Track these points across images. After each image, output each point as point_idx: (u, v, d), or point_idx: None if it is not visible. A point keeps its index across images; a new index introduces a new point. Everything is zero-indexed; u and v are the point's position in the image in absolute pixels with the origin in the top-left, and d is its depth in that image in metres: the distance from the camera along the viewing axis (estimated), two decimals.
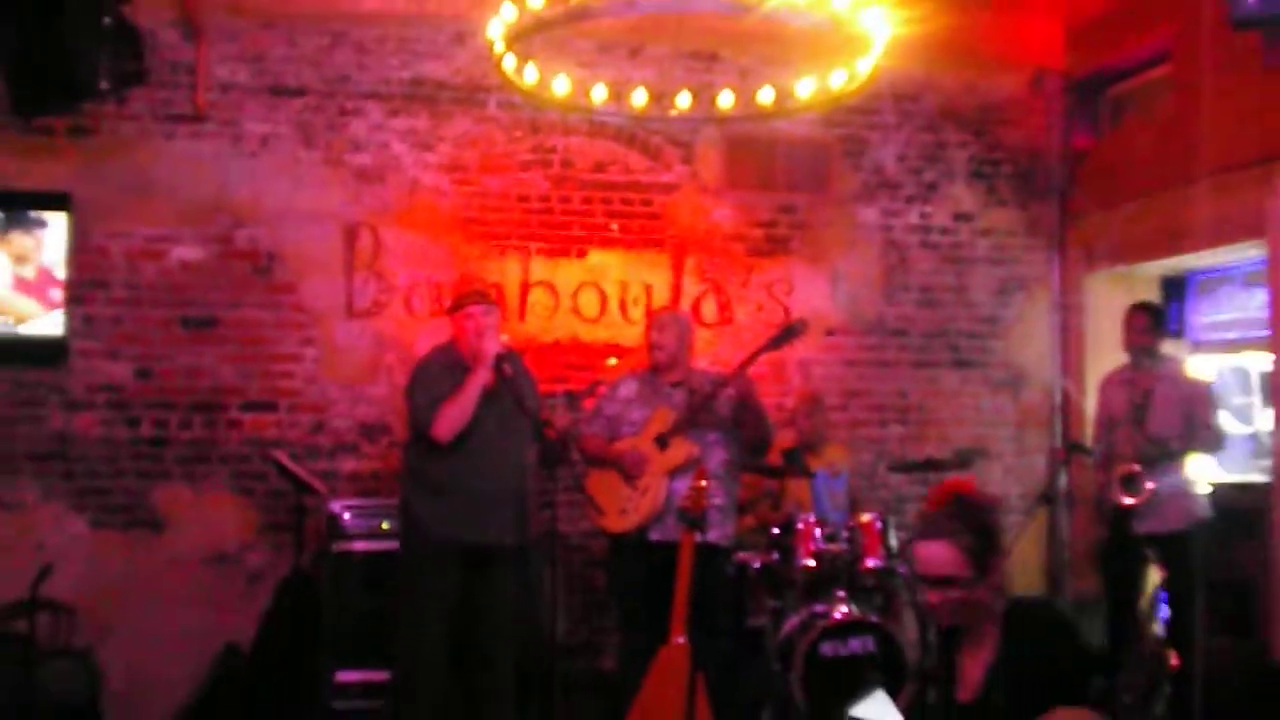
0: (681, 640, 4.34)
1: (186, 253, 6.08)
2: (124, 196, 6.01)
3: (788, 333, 4.89)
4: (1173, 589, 5.29)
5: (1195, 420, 5.41)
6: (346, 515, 5.56)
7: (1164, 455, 5.41)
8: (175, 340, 6.05)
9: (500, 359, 4.58)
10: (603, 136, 6.54)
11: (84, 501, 5.92)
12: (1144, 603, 5.34)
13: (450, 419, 4.52)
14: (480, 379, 4.54)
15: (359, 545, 5.50)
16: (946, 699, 2.83)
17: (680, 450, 4.77)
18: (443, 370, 4.66)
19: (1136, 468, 5.40)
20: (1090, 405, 6.75)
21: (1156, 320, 5.71)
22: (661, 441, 4.78)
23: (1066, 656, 2.70)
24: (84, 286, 5.93)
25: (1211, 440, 5.43)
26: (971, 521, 2.78)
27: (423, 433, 4.59)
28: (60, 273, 5.77)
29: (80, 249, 5.88)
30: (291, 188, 6.21)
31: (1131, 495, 5.43)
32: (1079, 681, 2.68)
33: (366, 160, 6.30)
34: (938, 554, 2.76)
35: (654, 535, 4.74)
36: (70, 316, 5.80)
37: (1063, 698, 2.59)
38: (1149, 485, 5.34)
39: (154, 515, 5.99)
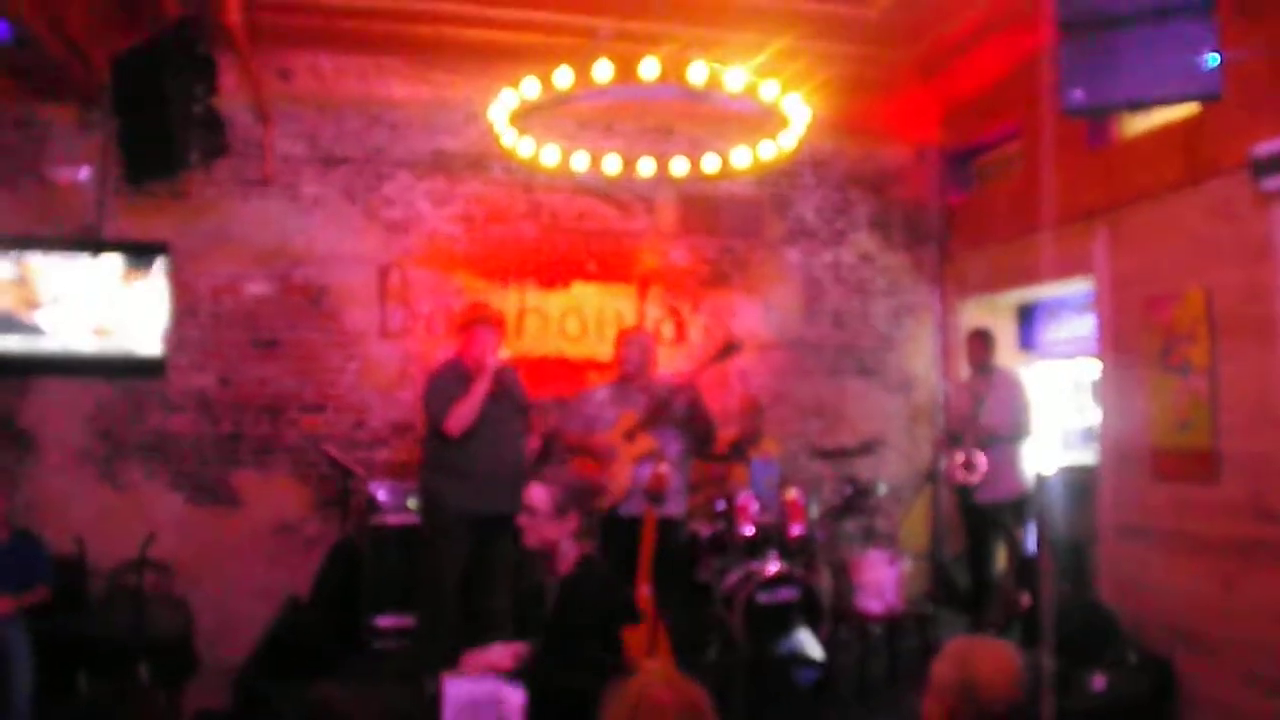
0: (646, 590, 4.24)
1: (256, 288, 6.12)
2: (209, 244, 6.05)
3: (726, 350, 4.87)
4: (1015, 544, 5.50)
5: (1016, 414, 5.60)
6: (381, 494, 5.58)
7: (993, 441, 5.58)
8: (248, 357, 6.07)
9: (499, 371, 4.65)
10: (583, 194, 6.58)
11: (179, 482, 5.94)
12: (1000, 556, 5.57)
13: (460, 417, 4.54)
14: (484, 386, 4.58)
15: (391, 519, 5.51)
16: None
17: (644, 443, 4.78)
18: (452, 379, 4.68)
19: (976, 453, 5.63)
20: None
21: (988, 342, 5.91)
22: (630, 436, 4.79)
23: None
24: (179, 315, 5.94)
25: (1026, 428, 5.63)
26: (571, 487, 3.34)
27: (437, 428, 4.61)
28: (162, 305, 5.75)
29: (176, 285, 5.88)
30: (338, 236, 6.23)
31: (970, 474, 5.67)
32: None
33: (397, 214, 6.33)
34: (536, 492, 3.36)
35: (623, 510, 4.72)
36: (168, 338, 5.80)
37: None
38: (981, 465, 5.55)
39: (232, 494, 6.01)
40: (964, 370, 6.50)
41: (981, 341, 5.89)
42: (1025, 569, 5.35)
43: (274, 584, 5.79)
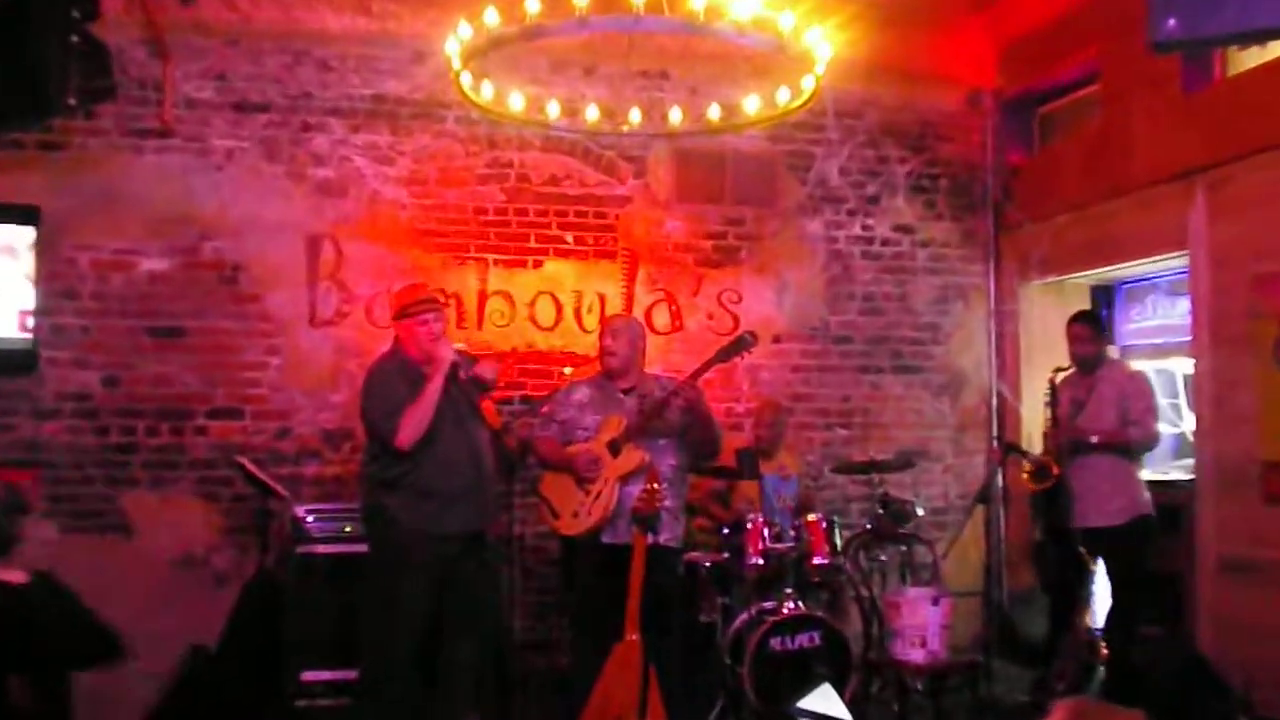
0: (634, 637, 4.31)
1: (153, 264, 6.03)
2: (92, 209, 5.95)
3: (738, 344, 4.80)
4: (1112, 581, 5.39)
5: (1128, 416, 5.41)
6: (310, 519, 5.52)
7: (1080, 448, 5.43)
8: (142, 349, 5.99)
9: (455, 364, 4.56)
10: (557, 151, 6.55)
11: (53, 507, 5.85)
12: (1080, 595, 5.47)
13: (412, 426, 4.46)
14: (438, 384, 4.50)
15: (322, 548, 5.46)
16: None
17: (632, 456, 4.68)
18: (396, 377, 4.60)
19: (1047, 459, 5.49)
20: (1026, 408, 6.81)
21: (1095, 328, 5.70)
22: (614, 447, 4.70)
23: None
24: (53, 297, 5.85)
25: (1143, 435, 5.42)
26: None
27: (386, 441, 4.52)
28: (31, 284, 5.66)
29: (49, 261, 5.79)
30: (256, 201, 6.16)
31: (1038, 484, 5.53)
32: None
33: (328, 174, 6.27)
34: None
35: (606, 538, 4.67)
36: (39, 326, 5.71)
37: None
38: (1056, 473, 5.44)
39: (122, 520, 5.93)
40: (1038, 365, 6.45)
41: (1086, 329, 5.63)
42: (1116, 614, 5.31)
43: (173, 631, 5.55)
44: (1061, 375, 5.63)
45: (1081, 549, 5.37)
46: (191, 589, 5.92)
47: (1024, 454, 5.95)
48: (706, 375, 4.82)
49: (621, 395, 4.86)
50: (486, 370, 4.82)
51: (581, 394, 4.94)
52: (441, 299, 4.84)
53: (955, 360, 7.16)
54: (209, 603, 5.76)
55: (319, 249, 6.24)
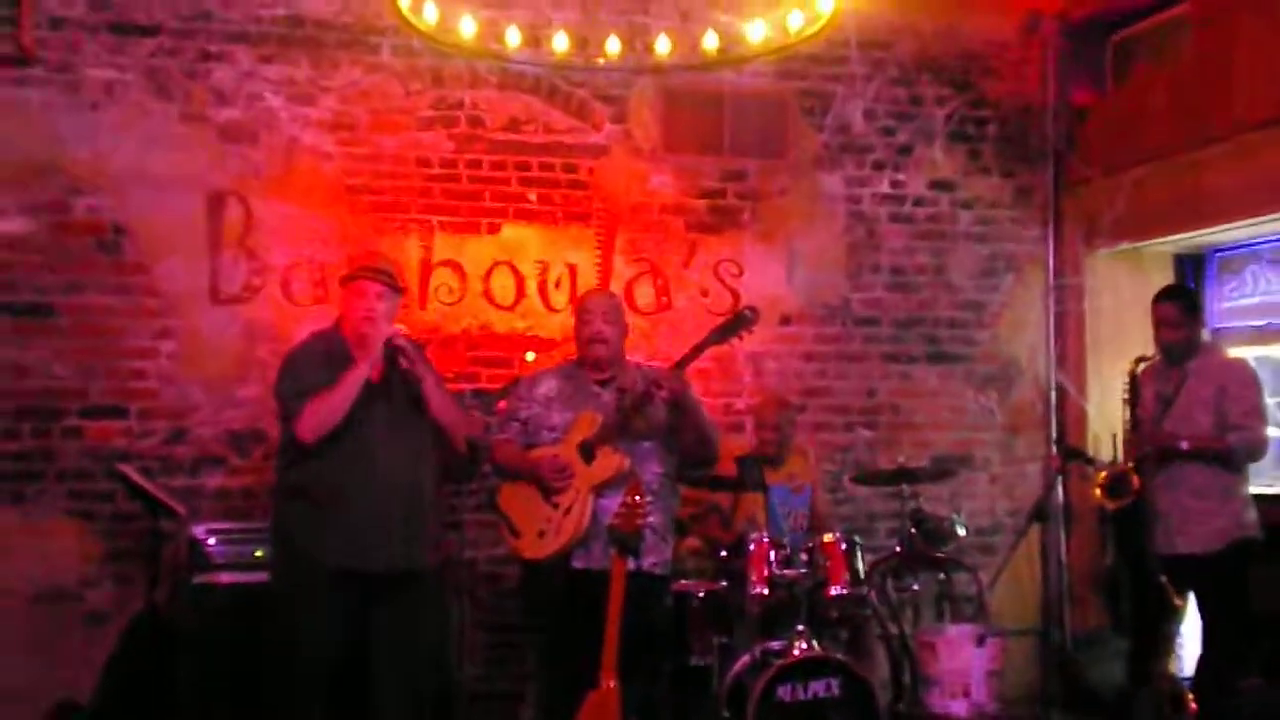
0: (612, 684, 4.31)
1: (11, 225, 5.99)
2: None
3: (735, 323, 4.83)
4: (1205, 620, 5.35)
5: (1226, 417, 5.36)
6: (211, 541, 5.50)
7: (1167, 456, 5.40)
8: None
9: (394, 349, 4.55)
10: (518, 90, 6.54)
11: None
12: (1163, 637, 5.42)
13: (316, 415, 4.48)
14: (362, 371, 4.51)
15: (226, 577, 5.45)
16: None
17: (609, 461, 4.70)
18: (320, 358, 4.63)
19: (1126, 468, 5.48)
20: (1092, 405, 6.88)
21: (1187, 307, 5.62)
22: (587, 450, 4.72)
23: None
24: None
25: (1246, 441, 5.36)
26: None
27: (291, 430, 4.59)
28: None
29: None
30: (142, 148, 6.12)
31: (1115, 500, 5.53)
32: None
33: (234, 115, 6.24)
34: None
35: (578, 562, 4.70)
36: None
37: None
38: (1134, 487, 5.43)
39: None
40: (1106, 353, 6.55)
41: (1175, 309, 5.57)
42: (1209, 660, 5.32)
43: (36, 682, 5.66)
44: (1144, 366, 5.62)
45: (1165, 579, 5.34)
46: (60, 630, 5.87)
47: (1090, 461, 6.04)
48: (699, 362, 4.82)
49: (597, 387, 4.89)
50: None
51: (548, 386, 4.97)
52: (386, 265, 4.86)
53: (1005, 346, 7.18)
54: (82, 647, 5.72)
55: (222, 208, 6.20)
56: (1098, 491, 5.65)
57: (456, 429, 4.75)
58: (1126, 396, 5.58)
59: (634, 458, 4.74)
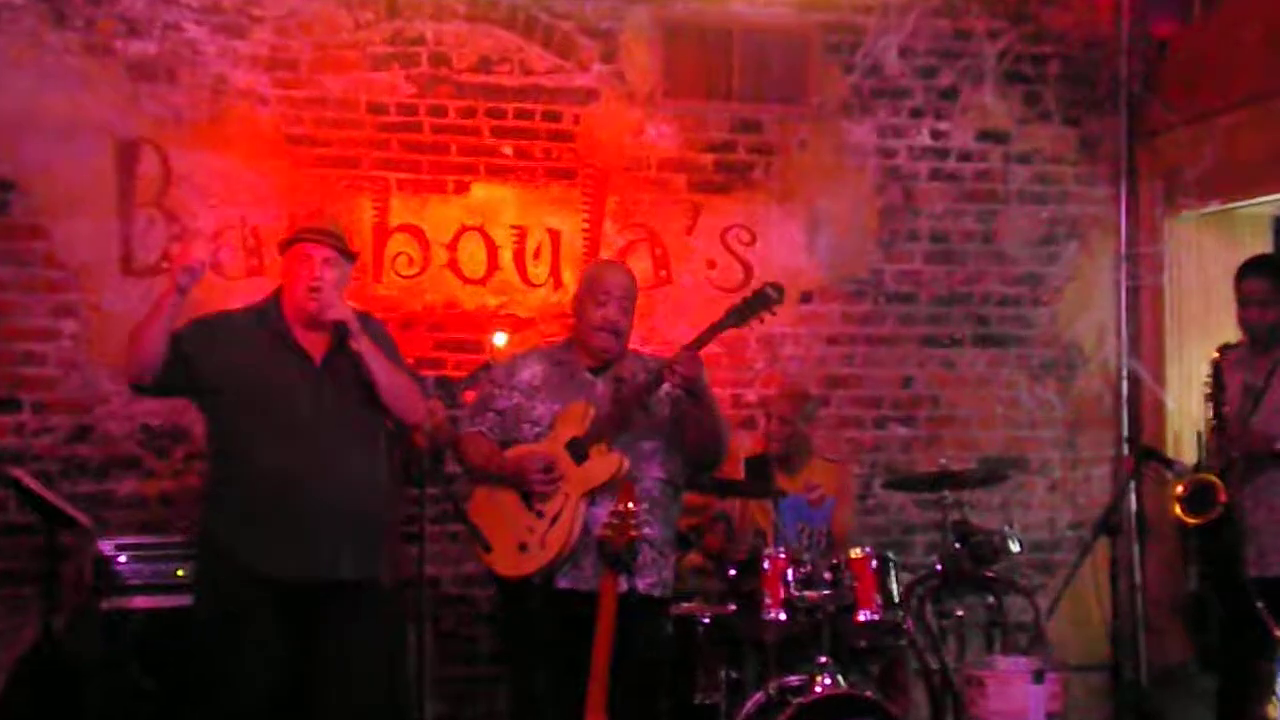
0: None
1: None
2: None
3: (756, 301, 4.81)
4: None
5: None
6: (122, 558, 5.51)
7: (1257, 461, 5.45)
8: None
9: (341, 327, 4.55)
10: (489, 22, 6.56)
11: None
12: (1260, 675, 5.44)
13: (130, 348, 4.55)
14: (169, 297, 4.49)
15: (140, 601, 5.45)
16: None
17: (604, 462, 4.70)
18: (242, 327, 4.66)
19: (1210, 477, 5.51)
20: (1172, 397, 6.92)
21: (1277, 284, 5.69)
22: (577, 449, 4.73)
23: None
24: None
25: None
26: None
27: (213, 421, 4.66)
28: None
29: None
30: (35, 86, 6.10)
31: (1196, 515, 5.58)
32: None
33: (147, 49, 6.22)
34: None
35: (564, 582, 4.71)
36: None
37: None
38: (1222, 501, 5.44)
39: None
40: (1191, 335, 6.72)
41: (1265, 283, 5.65)
42: None
43: None
44: (1229, 354, 5.65)
45: (1261, 606, 5.35)
46: None
47: (1169, 464, 6.04)
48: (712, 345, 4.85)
49: (589, 375, 4.89)
50: None
51: (531, 372, 4.95)
52: (347, 237, 4.88)
53: (1067, 328, 7.22)
54: None
55: (135, 161, 6.20)
56: (1176, 506, 5.69)
57: (412, 417, 4.76)
58: (1209, 391, 5.60)
59: (632, 460, 4.74)
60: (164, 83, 6.21)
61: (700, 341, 4.77)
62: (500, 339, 6.35)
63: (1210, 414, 5.61)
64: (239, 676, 4.54)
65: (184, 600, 5.15)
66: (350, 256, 4.78)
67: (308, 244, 4.66)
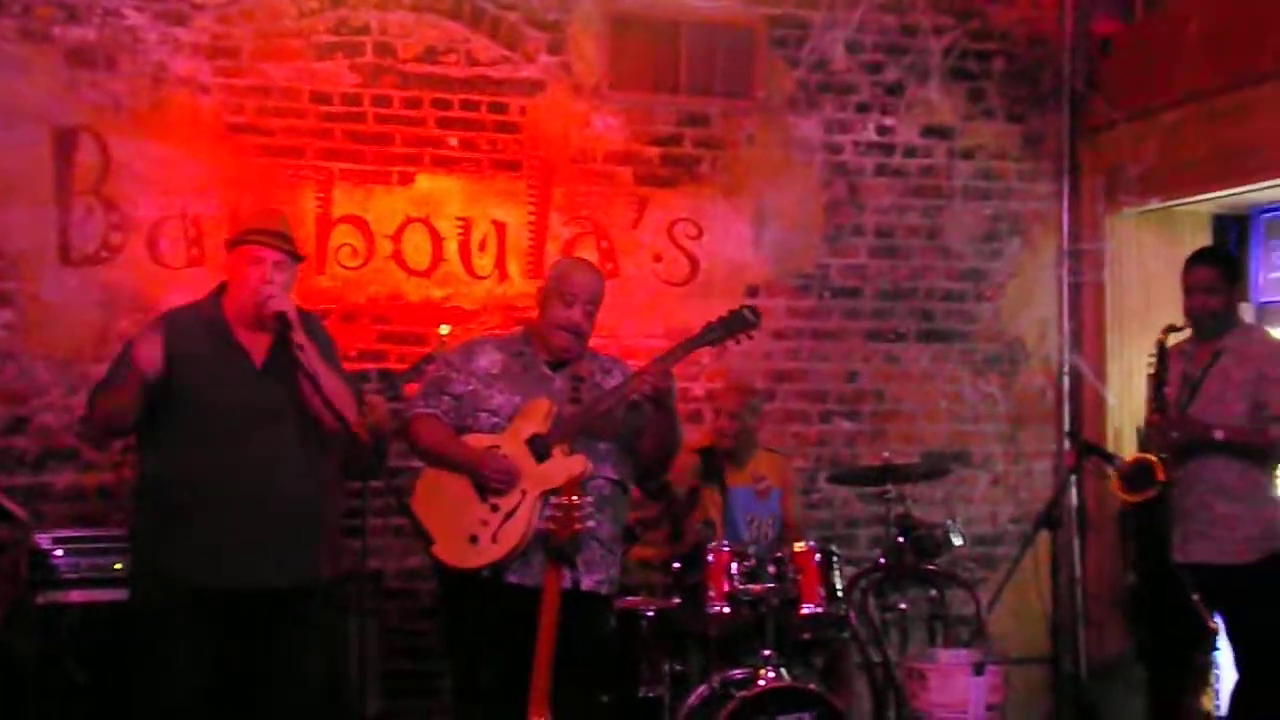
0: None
1: None
2: None
3: (733, 323, 4.82)
4: (1234, 645, 5.39)
5: (1266, 406, 5.41)
6: (58, 552, 5.46)
7: (1194, 448, 5.44)
8: None
9: (283, 323, 4.49)
10: (435, 11, 6.55)
11: None
12: (1195, 665, 5.47)
13: (104, 412, 4.54)
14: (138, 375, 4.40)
15: (77, 595, 5.41)
16: None
17: (566, 464, 4.63)
18: (192, 329, 4.58)
19: (1150, 457, 5.53)
20: (1114, 392, 6.96)
21: (1226, 273, 5.70)
22: (539, 447, 4.68)
23: None
24: None
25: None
26: None
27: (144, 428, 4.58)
28: None
29: None
30: None
31: (1134, 493, 5.62)
32: None
33: (86, 35, 6.18)
34: None
35: (514, 576, 4.66)
36: None
37: None
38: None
39: None
40: (1131, 330, 6.71)
41: (1213, 272, 5.66)
42: (1247, 693, 5.34)
43: None
44: (1174, 337, 5.68)
45: (1196, 598, 5.39)
46: None
47: (1110, 459, 6.11)
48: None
49: (548, 370, 4.88)
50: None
51: (490, 360, 4.92)
52: (293, 236, 4.82)
53: (1010, 323, 7.26)
54: None
55: (73, 149, 6.15)
56: (1114, 483, 5.76)
57: (348, 416, 4.69)
58: (1152, 371, 5.62)
59: (591, 457, 4.71)
60: (103, 70, 6.17)
61: (673, 357, 4.78)
62: (444, 329, 6.29)
63: (1152, 394, 5.63)
64: (172, 674, 4.50)
65: (121, 594, 5.08)
66: (298, 258, 4.74)
67: (259, 247, 4.60)
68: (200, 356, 4.53)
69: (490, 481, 4.66)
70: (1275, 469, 5.49)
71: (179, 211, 6.19)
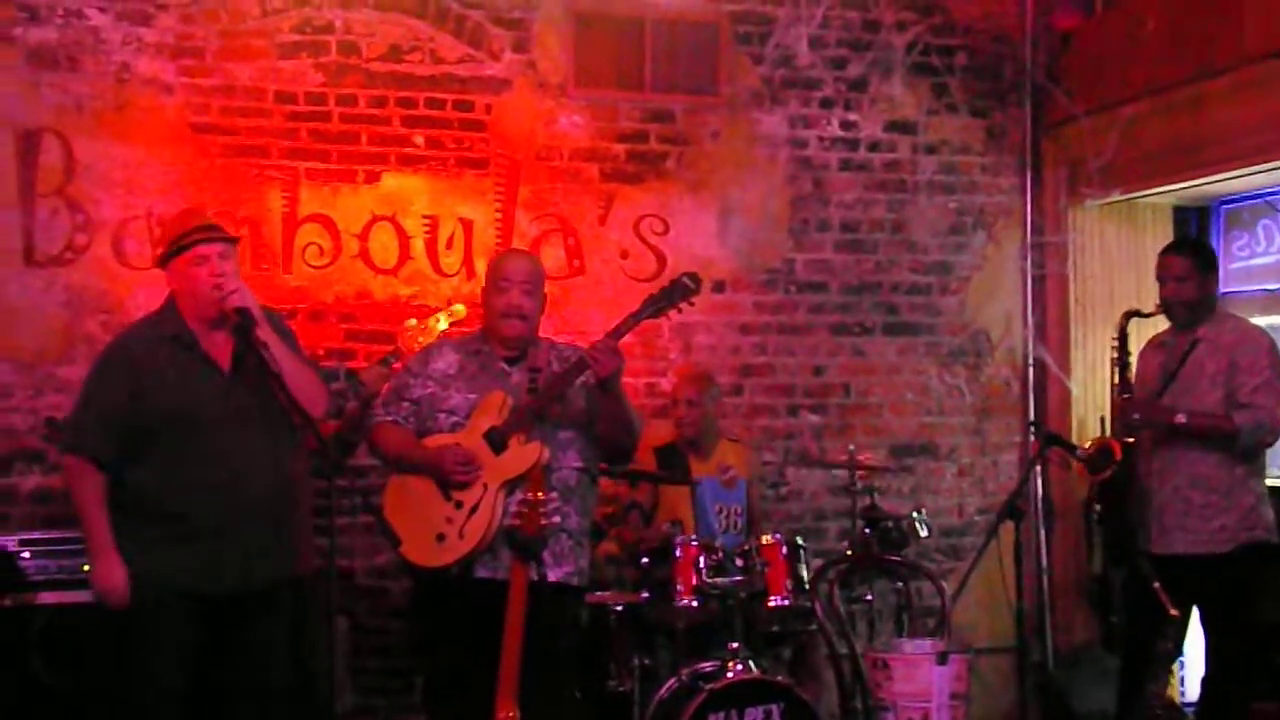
0: (512, 715, 4.26)
1: None
2: None
3: (673, 291, 4.81)
4: (1209, 634, 5.44)
5: (1236, 394, 5.40)
6: (26, 554, 5.45)
7: (1164, 436, 5.46)
8: None
9: (245, 318, 4.47)
10: (400, 10, 6.55)
11: None
12: (1161, 654, 5.49)
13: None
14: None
15: (46, 597, 5.39)
16: None
17: (524, 453, 4.66)
18: (154, 349, 4.53)
19: (1109, 439, 5.60)
20: (1077, 384, 6.98)
21: (1201, 263, 5.66)
22: (496, 439, 4.70)
23: None
24: None
25: (1257, 422, 5.38)
26: None
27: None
28: None
29: None
30: None
31: (1094, 473, 5.66)
32: None
33: (48, 36, 6.16)
34: None
35: (483, 571, 4.69)
36: None
37: None
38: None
39: None
40: (1096, 322, 6.74)
41: (1186, 262, 5.62)
42: (1215, 681, 5.40)
43: None
44: (1145, 328, 5.73)
45: (1159, 586, 5.33)
46: None
47: (1073, 449, 6.06)
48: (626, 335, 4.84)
49: (505, 365, 4.88)
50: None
51: (446, 361, 4.94)
52: (230, 230, 4.81)
53: (975, 316, 7.27)
54: None
55: (36, 150, 6.14)
56: (1075, 463, 5.84)
57: (317, 409, 4.68)
58: (1115, 356, 5.62)
59: (550, 449, 4.72)
60: (66, 71, 6.16)
61: (619, 331, 4.77)
62: (412, 322, 6.13)
63: (1115, 377, 5.65)
64: (148, 677, 4.49)
65: (89, 596, 4.95)
66: (234, 240, 4.71)
67: (199, 247, 4.55)
68: (168, 376, 4.49)
69: (451, 475, 4.67)
70: (1252, 459, 5.45)
71: (144, 212, 6.17)
